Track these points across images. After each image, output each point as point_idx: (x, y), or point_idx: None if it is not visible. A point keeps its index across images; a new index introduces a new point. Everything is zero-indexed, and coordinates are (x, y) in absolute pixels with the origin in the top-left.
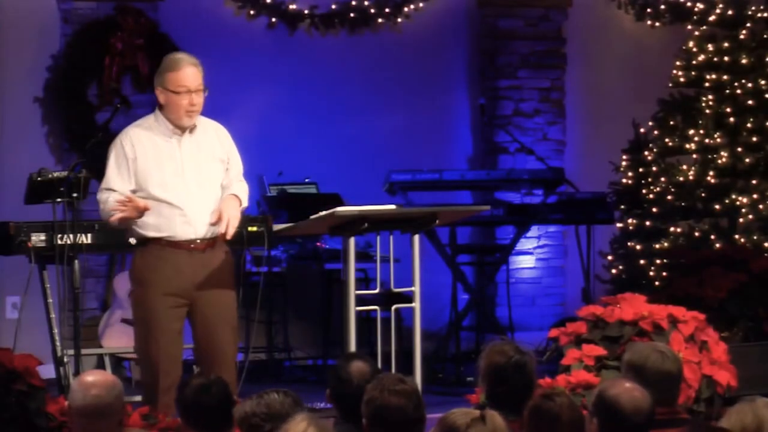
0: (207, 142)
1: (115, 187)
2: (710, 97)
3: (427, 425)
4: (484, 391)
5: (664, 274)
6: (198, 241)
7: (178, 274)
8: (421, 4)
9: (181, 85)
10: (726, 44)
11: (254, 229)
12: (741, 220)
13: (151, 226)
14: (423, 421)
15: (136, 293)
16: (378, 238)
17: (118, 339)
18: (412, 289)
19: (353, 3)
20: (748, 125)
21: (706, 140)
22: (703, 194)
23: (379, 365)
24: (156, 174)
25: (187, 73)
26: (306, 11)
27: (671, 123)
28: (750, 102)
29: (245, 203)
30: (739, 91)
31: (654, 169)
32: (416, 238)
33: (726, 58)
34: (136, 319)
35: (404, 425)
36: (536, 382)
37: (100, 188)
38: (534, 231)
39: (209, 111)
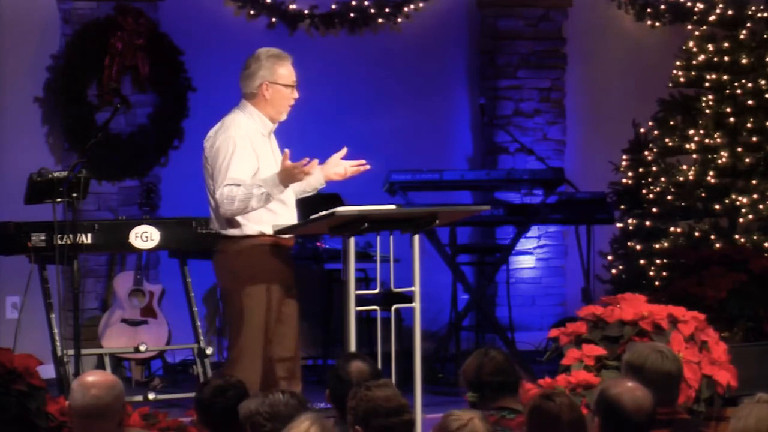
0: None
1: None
2: (710, 97)
3: (426, 425)
4: (468, 388)
5: (664, 274)
6: (291, 237)
7: (287, 269)
8: (421, 4)
9: (292, 80)
10: (726, 44)
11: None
12: (741, 220)
13: (264, 221)
14: (409, 411)
15: (245, 288)
16: (378, 238)
17: (118, 339)
18: (412, 289)
19: (353, 3)
20: (748, 125)
21: (706, 140)
22: (703, 194)
23: (379, 365)
24: (268, 171)
25: (293, 68)
26: (306, 11)
27: (671, 123)
28: (750, 102)
29: None
30: (739, 91)
31: (654, 169)
32: (416, 238)
33: (726, 58)
34: (246, 313)
35: (395, 412)
36: (513, 366)
37: (222, 184)
38: (534, 231)
39: (209, 111)
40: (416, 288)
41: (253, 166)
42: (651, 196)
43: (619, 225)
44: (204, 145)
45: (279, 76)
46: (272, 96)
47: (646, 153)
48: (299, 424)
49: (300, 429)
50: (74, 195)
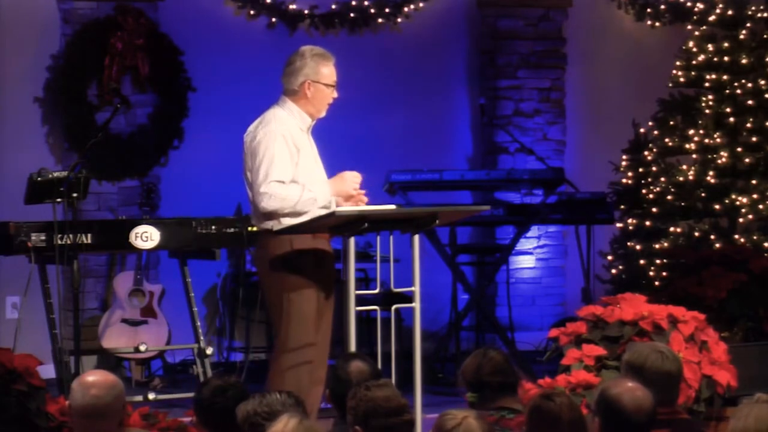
0: None
1: (286, 180)
2: (710, 97)
3: (426, 425)
4: (467, 388)
5: (664, 274)
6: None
7: (329, 262)
8: (421, 4)
9: (333, 80)
10: (726, 44)
11: (254, 229)
12: (741, 220)
13: (309, 215)
14: (409, 411)
15: (287, 281)
16: (378, 238)
17: (118, 339)
18: (412, 289)
19: (353, 3)
20: (748, 125)
21: (706, 140)
22: (703, 194)
23: (379, 365)
24: (310, 167)
25: (334, 68)
26: (306, 11)
27: (671, 123)
28: (750, 102)
29: None
30: (739, 91)
31: (654, 169)
32: (416, 238)
33: (726, 58)
34: (292, 307)
35: (395, 412)
36: (512, 366)
37: (267, 182)
38: (534, 231)
39: (209, 111)
40: (416, 288)
41: (294, 161)
42: (651, 196)
43: (619, 225)
44: (244, 140)
45: (322, 76)
46: (314, 94)
47: (646, 153)
48: (278, 421)
49: (279, 425)
50: (74, 195)
